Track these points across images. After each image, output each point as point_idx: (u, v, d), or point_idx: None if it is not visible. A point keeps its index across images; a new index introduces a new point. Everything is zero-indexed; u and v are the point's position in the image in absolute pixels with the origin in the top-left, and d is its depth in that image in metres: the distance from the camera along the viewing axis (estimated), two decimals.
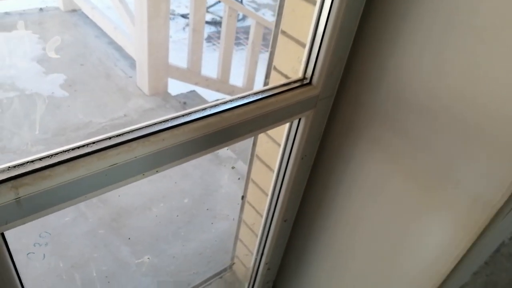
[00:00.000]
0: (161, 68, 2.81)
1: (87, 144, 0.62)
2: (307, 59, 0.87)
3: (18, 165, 0.57)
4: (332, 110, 0.98)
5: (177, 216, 2.08)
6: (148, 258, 1.86)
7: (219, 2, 5.33)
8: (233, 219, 2.10)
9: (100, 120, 2.56)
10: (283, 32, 1.05)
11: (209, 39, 4.91)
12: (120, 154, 0.64)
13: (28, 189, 0.57)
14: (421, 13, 0.76)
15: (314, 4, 0.91)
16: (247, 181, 1.40)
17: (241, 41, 5.01)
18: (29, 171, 0.57)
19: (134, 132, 0.66)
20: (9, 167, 0.56)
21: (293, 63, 1.04)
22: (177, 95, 3.01)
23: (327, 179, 1.11)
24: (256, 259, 1.32)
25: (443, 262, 0.92)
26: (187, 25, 5.14)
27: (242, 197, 1.30)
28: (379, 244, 1.05)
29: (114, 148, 0.64)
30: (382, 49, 0.85)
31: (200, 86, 3.12)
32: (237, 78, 3.39)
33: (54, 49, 2.92)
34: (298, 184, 1.10)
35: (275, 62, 1.11)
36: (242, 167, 2.45)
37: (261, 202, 1.35)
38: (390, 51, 0.83)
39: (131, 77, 2.97)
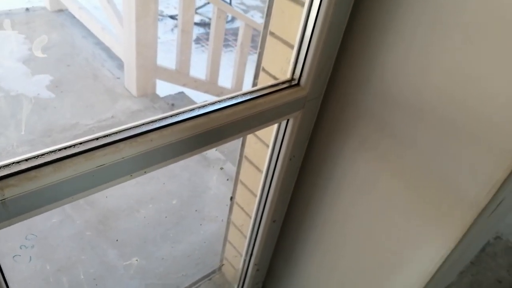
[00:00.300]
0: (149, 69, 2.79)
1: (74, 145, 0.61)
2: (295, 60, 0.88)
3: (4, 166, 0.56)
4: (320, 110, 0.99)
5: (166, 217, 2.07)
6: (136, 260, 1.85)
7: (208, 3, 5.32)
8: (222, 220, 2.09)
9: (87, 122, 2.53)
10: (272, 34, 1.05)
11: (197, 40, 4.90)
12: (107, 155, 0.63)
13: (13, 190, 0.56)
14: (407, 11, 0.77)
15: (303, 6, 0.92)
16: (235, 182, 1.40)
17: (229, 42, 5.01)
18: (15, 172, 0.56)
19: (122, 132, 0.66)
20: None
21: (281, 64, 1.05)
22: (165, 97, 2.99)
23: (315, 179, 1.11)
24: (245, 260, 1.32)
25: (429, 261, 0.93)
26: (176, 26, 5.12)
27: (231, 198, 1.30)
28: (367, 243, 1.06)
29: (101, 148, 0.63)
30: (369, 48, 0.85)
31: (189, 87, 3.11)
32: (226, 79, 3.39)
33: (40, 48, 2.88)
34: (287, 185, 1.11)
35: (264, 63, 1.11)
36: (231, 168, 2.44)
37: (250, 203, 1.35)
38: (377, 51, 0.84)
39: (118, 78, 2.94)
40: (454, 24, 0.71)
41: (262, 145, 1.21)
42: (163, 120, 0.70)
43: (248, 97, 0.81)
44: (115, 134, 0.65)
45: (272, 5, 1.04)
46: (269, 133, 1.12)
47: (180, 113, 0.72)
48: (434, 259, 0.93)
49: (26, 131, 2.39)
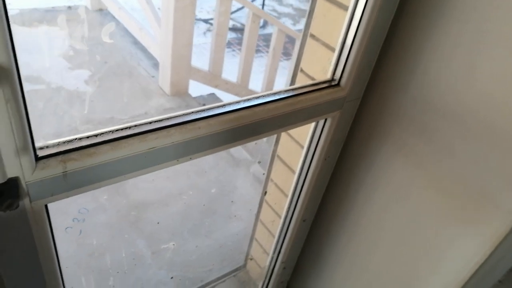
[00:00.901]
0: (183, 69, 2.86)
1: (130, 127, 0.66)
2: (336, 61, 0.90)
3: (67, 141, 0.61)
4: (358, 112, 1.00)
5: (193, 213, 2.12)
6: (164, 250, 1.89)
7: (242, 8, 5.40)
8: (248, 220, 2.12)
9: (122, 117, 2.62)
10: (312, 36, 1.08)
11: (229, 44, 4.97)
12: (158, 139, 0.67)
13: (74, 164, 0.60)
14: (452, 18, 0.78)
15: (346, 9, 0.94)
16: (266, 180, 1.43)
17: (260, 48, 5.06)
18: (77, 147, 0.61)
19: (173, 119, 0.70)
20: (59, 143, 0.60)
21: (320, 66, 1.07)
22: (197, 97, 3.06)
23: (348, 181, 1.13)
24: (272, 257, 1.34)
25: (461, 270, 0.93)
26: (208, 30, 5.22)
27: (265, 193, 1.33)
28: (398, 248, 1.07)
29: (153, 132, 0.67)
30: (411, 53, 0.87)
31: (220, 89, 3.17)
32: (256, 83, 3.44)
33: (108, 34, 2.98)
34: (320, 185, 1.13)
35: (302, 65, 1.14)
36: (258, 169, 2.48)
37: (279, 201, 1.37)
38: (419, 56, 0.86)
39: (153, 76, 3.03)
40: (498, 32, 0.72)
41: (296, 145, 1.24)
42: (211, 110, 0.74)
43: (291, 93, 0.84)
44: (167, 119, 0.69)
45: (314, 8, 1.07)
46: (303, 133, 1.15)
47: (226, 104, 0.76)
48: (466, 269, 0.93)
49: (64, 123, 2.49)
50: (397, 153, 0.99)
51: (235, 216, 2.16)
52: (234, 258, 1.90)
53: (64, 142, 0.61)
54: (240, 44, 4.65)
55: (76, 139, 0.61)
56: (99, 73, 2.92)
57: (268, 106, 0.80)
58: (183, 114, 0.71)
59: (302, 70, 1.14)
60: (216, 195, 2.25)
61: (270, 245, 1.46)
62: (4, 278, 0.68)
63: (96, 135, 0.63)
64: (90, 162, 0.62)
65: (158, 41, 2.89)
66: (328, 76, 0.92)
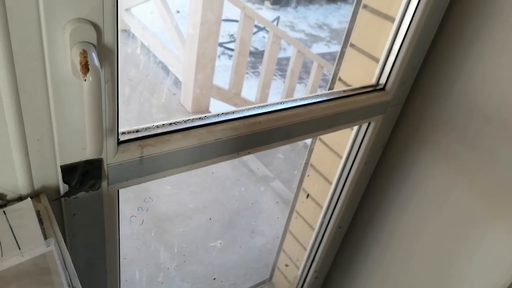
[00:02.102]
0: (205, 87, 2.93)
1: (200, 117, 0.69)
2: (382, 66, 0.94)
3: (145, 129, 0.64)
4: (400, 117, 1.03)
5: (216, 227, 2.13)
6: (185, 262, 1.90)
7: (261, 30, 5.52)
8: (270, 234, 2.12)
9: None
10: (352, 45, 1.12)
11: None
12: (225, 130, 0.71)
13: (151, 150, 0.64)
14: (497, 25, 0.82)
15: (388, 18, 0.99)
16: (298, 189, 1.44)
17: (274, 71, 5.15)
18: (153, 134, 0.64)
19: (237, 112, 0.73)
20: (138, 129, 0.64)
21: (360, 74, 1.11)
22: None
23: (385, 187, 1.15)
24: (305, 266, 1.35)
25: (501, 278, 0.93)
26: (222, 53, 5.35)
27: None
28: (436, 258, 1.07)
29: (220, 124, 0.71)
30: (455, 59, 0.91)
31: (239, 107, 3.22)
32: None
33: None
34: (357, 190, 1.15)
35: (341, 74, 1.18)
36: (279, 186, 2.49)
37: (312, 210, 1.39)
38: (464, 62, 0.89)
39: (175, 94, 3.10)
40: None
41: (331, 153, 1.26)
42: (270, 106, 0.77)
43: (341, 95, 0.87)
44: (231, 113, 0.73)
45: (355, 19, 1.12)
46: (340, 141, 1.18)
47: (284, 102, 0.79)
48: (507, 274, 0.93)
49: None
50: (437, 159, 1.01)
51: (257, 231, 2.16)
52: (259, 271, 1.90)
53: (142, 129, 0.64)
54: (253, 67, 4.75)
55: (153, 126, 0.65)
56: (123, 90, 3.00)
57: (321, 105, 0.83)
58: (246, 109, 0.75)
59: (340, 79, 1.18)
60: (238, 209, 2.26)
61: (300, 255, 1.47)
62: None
63: (170, 124, 0.66)
64: (164, 149, 0.65)
65: (181, 60, 2.97)
66: (373, 81, 0.96)
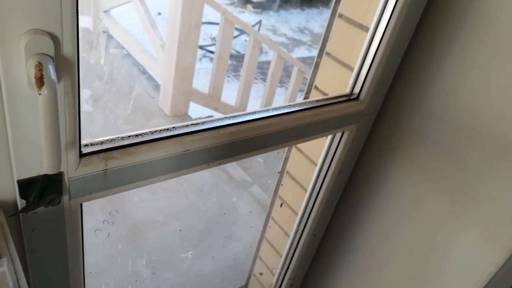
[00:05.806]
0: (184, 91, 2.90)
1: (168, 129, 0.67)
2: (356, 76, 0.94)
3: (110, 140, 0.62)
4: (372, 127, 1.04)
5: (192, 233, 2.10)
6: (161, 271, 1.86)
7: (243, 33, 5.51)
8: (247, 241, 2.11)
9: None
10: (328, 54, 1.12)
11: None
12: (194, 142, 0.69)
13: (115, 162, 0.62)
14: (468, 37, 0.83)
15: (362, 28, 0.99)
16: (274, 196, 1.44)
17: (255, 75, 5.16)
18: (119, 146, 0.62)
19: (207, 123, 0.72)
20: (102, 141, 0.61)
21: (335, 83, 1.11)
22: (196, 119, 3.09)
23: (360, 195, 1.15)
24: (280, 274, 1.34)
25: (475, 281, 0.95)
26: (204, 56, 5.32)
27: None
28: (411, 264, 1.08)
29: (189, 135, 0.69)
30: (427, 71, 0.91)
31: (219, 111, 3.20)
32: (254, 108, 3.49)
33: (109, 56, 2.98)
34: (332, 198, 1.14)
35: (317, 82, 1.18)
36: (258, 191, 2.48)
37: (287, 217, 1.38)
38: (435, 73, 0.90)
39: (153, 97, 3.06)
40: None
41: (307, 161, 1.26)
42: (241, 117, 0.76)
43: (315, 104, 0.87)
44: (201, 124, 0.71)
45: (331, 28, 1.11)
46: (315, 149, 1.17)
47: (256, 112, 0.78)
48: (481, 278, 0.94)
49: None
50: (410, 167, 1.01)
51: (233, 237, 2.15)
52: (235, 278, 1.88)
53: (106, 141, 0.62)
54: (235, 70, 4.74)
55: (118, 137, 0.63)
56: (99, 93, 2.94)
57: (294, 115, 0.83)
58: (216, 120, 0.73)
59: (316, 87, 1.18)
60: (215, 216, 2.24)
61: (276, 263, 1.46)
62: (31, 279, 0.67)
63: (136, 135, 0.64)
64: (129, 161, 0.63)
65: (160, 63, 2.94)
66: (347, 90, 0.96)
